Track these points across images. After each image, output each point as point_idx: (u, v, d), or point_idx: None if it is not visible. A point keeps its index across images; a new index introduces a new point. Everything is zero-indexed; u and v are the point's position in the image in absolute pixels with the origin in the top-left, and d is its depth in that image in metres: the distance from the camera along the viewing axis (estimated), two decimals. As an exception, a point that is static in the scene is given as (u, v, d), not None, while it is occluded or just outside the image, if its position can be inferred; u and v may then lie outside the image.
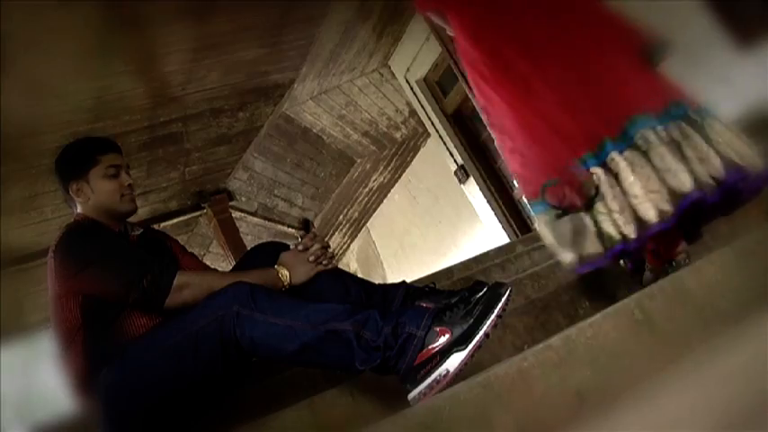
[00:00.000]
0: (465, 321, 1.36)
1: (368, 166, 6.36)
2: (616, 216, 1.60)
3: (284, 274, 1.70)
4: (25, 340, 4.93)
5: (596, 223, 1.63)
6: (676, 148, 1.60)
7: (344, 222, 7.18)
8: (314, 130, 5.61)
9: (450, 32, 1.91)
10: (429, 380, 1.34)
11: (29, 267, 4.54)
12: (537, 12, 1.75)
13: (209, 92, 4.33)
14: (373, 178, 6.53)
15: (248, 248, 2.03)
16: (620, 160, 1.61)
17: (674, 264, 1.72)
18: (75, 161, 1.79)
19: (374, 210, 7.05)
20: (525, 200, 1.85)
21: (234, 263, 2.14)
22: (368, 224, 7.29)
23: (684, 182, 1.57)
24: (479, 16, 1.79)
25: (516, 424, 1.12)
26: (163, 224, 5.33)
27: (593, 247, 1.63)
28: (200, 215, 5.66)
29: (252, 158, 5.47)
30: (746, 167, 1.61)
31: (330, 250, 1.80)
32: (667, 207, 1.56)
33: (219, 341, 1.44)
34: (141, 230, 1.86)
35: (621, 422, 1.04)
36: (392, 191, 6.74)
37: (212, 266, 2.07)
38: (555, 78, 1.68)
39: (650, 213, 1.56)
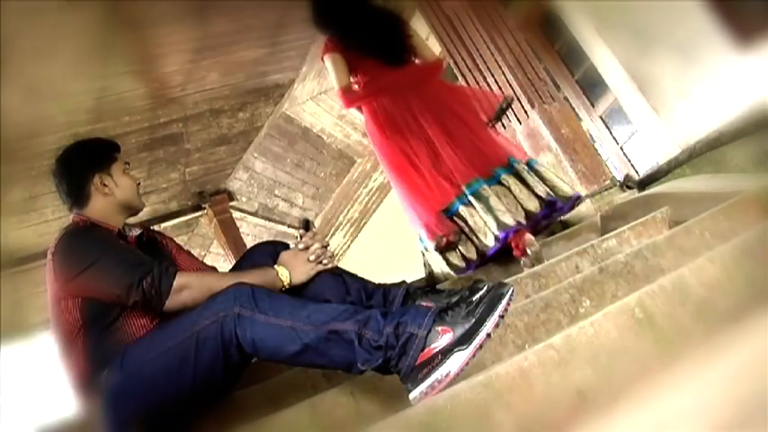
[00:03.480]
0: (467, 321, 1.36)
1: (368, 165, 6.36)
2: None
3: (284, 273, 1.70)
4: (26, 341, 4.93)
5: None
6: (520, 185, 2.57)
7: (345, 222, 7.17)
8: (314, 130, 5.61)
9: (362, 119, 2.81)
10: (430, 380, 1.34)
11: (29, 268, 4.53)
12: (421, 109, 2.64)
13: (209, 92, 4.33)
14: (374, 178, 6.52)
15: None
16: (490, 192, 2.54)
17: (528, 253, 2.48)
18: (99, 155, 1.78)
19: (375, 209, 7.04)
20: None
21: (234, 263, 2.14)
22: (368, 224, 7.28)
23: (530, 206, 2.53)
24: (381, 113, 2.68)
25: (517, 423, 1.12)
26: (163, 225, 5.34)
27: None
28: (201, 215, 5.66)
29: (252, 159, 5.47)
30: (556, 199, 2.56)
31: (330, 249, 1.81)
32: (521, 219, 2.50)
33: (220, 342, 1.44)
34: (139, 231, 1.85)
35: (622, 421, 1.04)
36: (393, 190, 6.73)
37: (212, 266, 2.07)
38: (436, 154, 2.60)
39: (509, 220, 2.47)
